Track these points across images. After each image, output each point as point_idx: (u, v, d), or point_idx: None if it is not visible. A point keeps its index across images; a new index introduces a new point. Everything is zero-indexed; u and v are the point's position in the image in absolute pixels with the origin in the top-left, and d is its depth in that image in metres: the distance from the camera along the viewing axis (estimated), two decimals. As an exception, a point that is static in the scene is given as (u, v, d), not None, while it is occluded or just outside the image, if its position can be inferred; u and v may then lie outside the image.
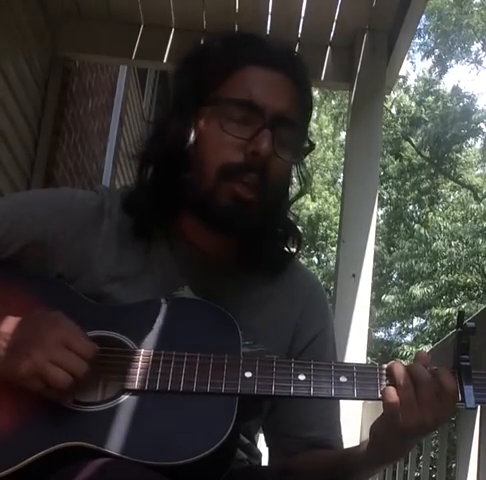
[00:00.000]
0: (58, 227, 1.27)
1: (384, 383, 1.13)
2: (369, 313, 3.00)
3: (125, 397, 1.12)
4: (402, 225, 19.19)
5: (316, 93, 14.95)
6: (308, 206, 19.17)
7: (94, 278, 1.25)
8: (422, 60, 21.75)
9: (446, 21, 19.43)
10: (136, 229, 1.29)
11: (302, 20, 3.27)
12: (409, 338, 18.30)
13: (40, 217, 1.27)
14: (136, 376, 1.13)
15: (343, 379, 1.14)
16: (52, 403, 1.11)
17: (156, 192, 1.28)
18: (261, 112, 1.23)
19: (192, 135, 1.25)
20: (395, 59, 3.25)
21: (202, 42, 1.39)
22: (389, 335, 19.36)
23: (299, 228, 1.40)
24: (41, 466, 1.06)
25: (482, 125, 20.00)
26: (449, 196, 19.56)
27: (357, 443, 1.29)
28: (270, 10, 3.23)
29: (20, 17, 3.17)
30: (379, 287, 16.59)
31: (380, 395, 1.12)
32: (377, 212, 3.62)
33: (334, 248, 17.77)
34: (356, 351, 2.89)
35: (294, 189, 1.37)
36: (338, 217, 3.90)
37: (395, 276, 18.28)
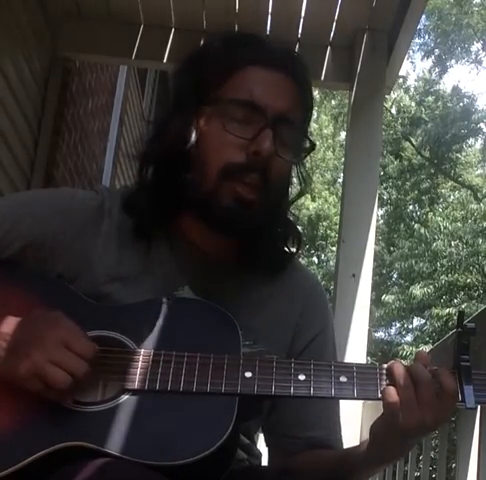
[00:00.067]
0: (58, 227, 1.27)
1: (384, 383, 1.13)
2: (369, 313, 3.00)
3: (125, 397, 1.12)
4: (402, 225, 19.19)
5: (316, 93, 14.94)
6: (308, 206, 19.17)
7: (94, 278, 1.25)
8: (422, 60, 21.82)
9: (446, 21, 19.43)
10: (136, 229, 1.29)
11: (302, 20, 3.27)
12: (409, 338, 18.31)
13: (40, 217, 1.27)
14: (136, 376, 1.13)
15: (343, 379, 1.14)
16: (52, 403, 1.11)
17: (156, 192, 1.28)
18: (262, 112, 1.23)
19: (193, 135, 1.25)
20: (395, 59, 3.25)
21: (202, 42, 1.39)
22: (389, 335, 19.39)
23: (299, 228, 1.40)
24: (41, 466, 1.06)
25: (482, 125, 20.03)
26: (449, 196, 19.56)
27: (357, 443, 1.29)
28: (270, 10, 3.23)
29: (20, 17, 3.17)
30: (379, 287, 16.59)
31: (380, 395, 1.12)
32: (377, 212, 3.62)
33: (334, 248, 17.76)
34: (356, 351, 2.89)
35: (294, 189, 1.37)
36: (338, 217, 3.90)
37: (395, 276, 18.28)
